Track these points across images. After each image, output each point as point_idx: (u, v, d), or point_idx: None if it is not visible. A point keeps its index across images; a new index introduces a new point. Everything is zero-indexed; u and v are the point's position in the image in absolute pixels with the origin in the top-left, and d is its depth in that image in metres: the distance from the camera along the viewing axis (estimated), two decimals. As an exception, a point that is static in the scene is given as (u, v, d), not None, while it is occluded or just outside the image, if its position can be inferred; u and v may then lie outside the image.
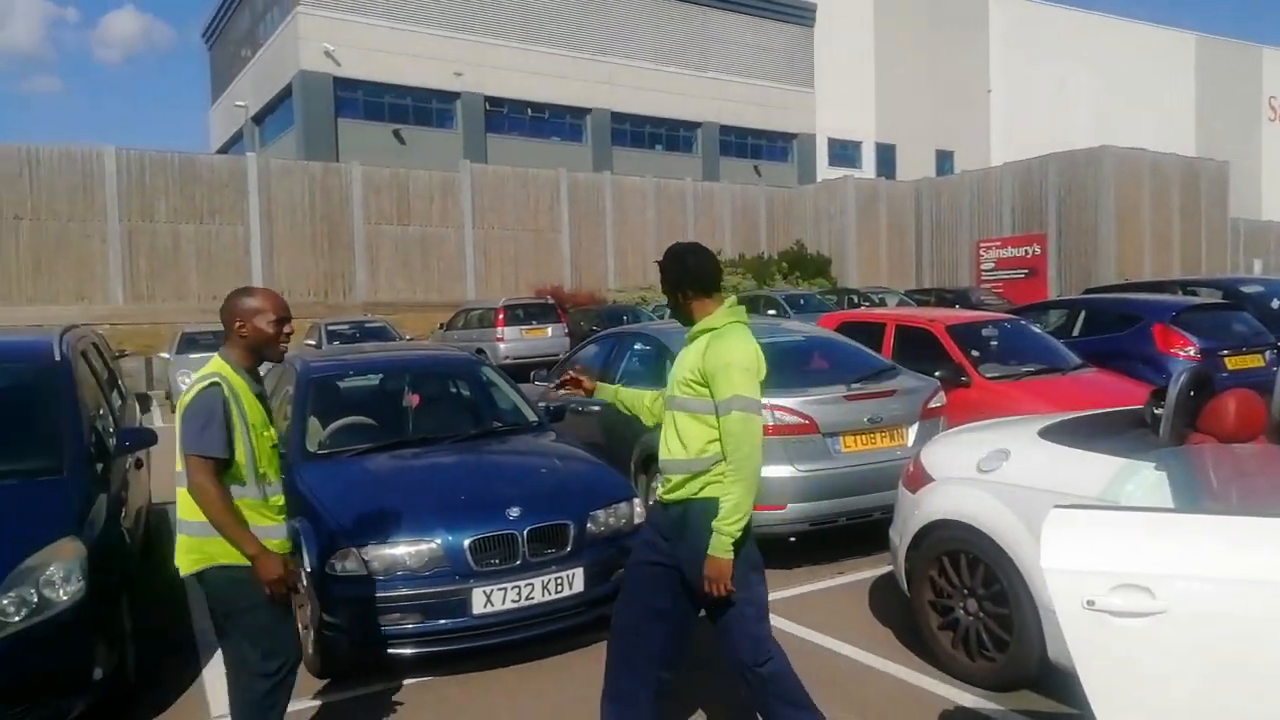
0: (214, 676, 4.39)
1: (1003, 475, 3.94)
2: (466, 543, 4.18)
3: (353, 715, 4.03)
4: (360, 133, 33.78)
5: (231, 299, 3.18)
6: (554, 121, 38.80)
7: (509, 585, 4.19)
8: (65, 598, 3.54)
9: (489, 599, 4.15)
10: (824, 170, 43.12)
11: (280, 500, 3.18)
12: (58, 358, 4.90)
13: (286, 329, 3.17)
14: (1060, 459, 3.79)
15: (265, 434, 3.11)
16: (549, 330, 18.88)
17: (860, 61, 45.47)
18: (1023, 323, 8.65)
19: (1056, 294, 24.90)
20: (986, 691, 3.92)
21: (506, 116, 37.44)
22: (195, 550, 3.02)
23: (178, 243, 24.39)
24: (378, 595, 4.06)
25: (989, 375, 7.10)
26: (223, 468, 2.96)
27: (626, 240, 31.09)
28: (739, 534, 2.92)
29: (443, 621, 4.13)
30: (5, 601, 3.42)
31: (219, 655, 4.62)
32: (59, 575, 3.57)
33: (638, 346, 7.30)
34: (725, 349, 2.95)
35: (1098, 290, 14.84)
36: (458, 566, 4.15)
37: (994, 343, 7.84)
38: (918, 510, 4.29)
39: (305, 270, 25.94)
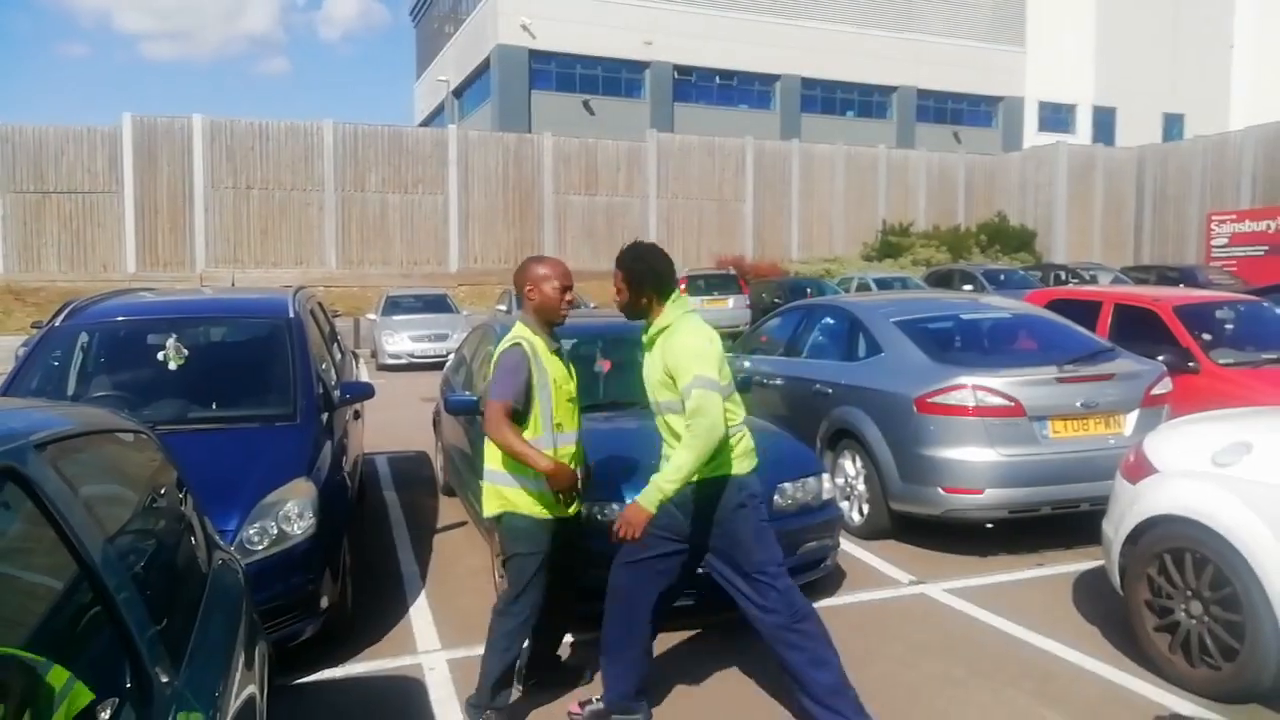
0: (419, 613, 4.73)
1: (1243, 470, 3.57)
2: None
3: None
4: (552, 104, 34.79)
5: (525, 265, 3.50)
6: (742, 89, 38.40)
7: (696, 552, 4.22)
8: (299, 532, 3.91)
9: (678, 563, 4.20)
10: (1032, 136, 40.35)
11: (570, 450, 3.47)
12: (291, 315, 5.37)
13: (568, 296, 3.43)
14: (1315, 456, 3.39)
15: (565, 387, 3.43)
16: (730, 301, 18.85)
17: (1080, 16, 41.93)
18: (1263, 304, 7.77)
19: (1301, 273, 22.20)
20: (1207, 701, 3.60)
21: (694, 84, 37.42)
22: (497, 496, 3.45)
23: (385, 211, 26.14)
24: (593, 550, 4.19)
25: (1221, 361, 6.44)
26: (518, 416, 3.31)
27: (812, 210, 30.45)
28: (671, 494, 3.10)
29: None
30: (251, 531, 3.82)
31: (424, 593, 5.01)
32: (294, 511, 3.94)
33: (827, 320, 7.13)
34: (677, 343, 3.18)
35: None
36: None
37: (1228, 326, 7.09)
38: (1138, 503, 3.97)
39: (497, 238, 27.15)
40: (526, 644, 3.66)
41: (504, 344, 3.43)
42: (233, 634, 2.34)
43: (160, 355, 4.88)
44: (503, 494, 3.45)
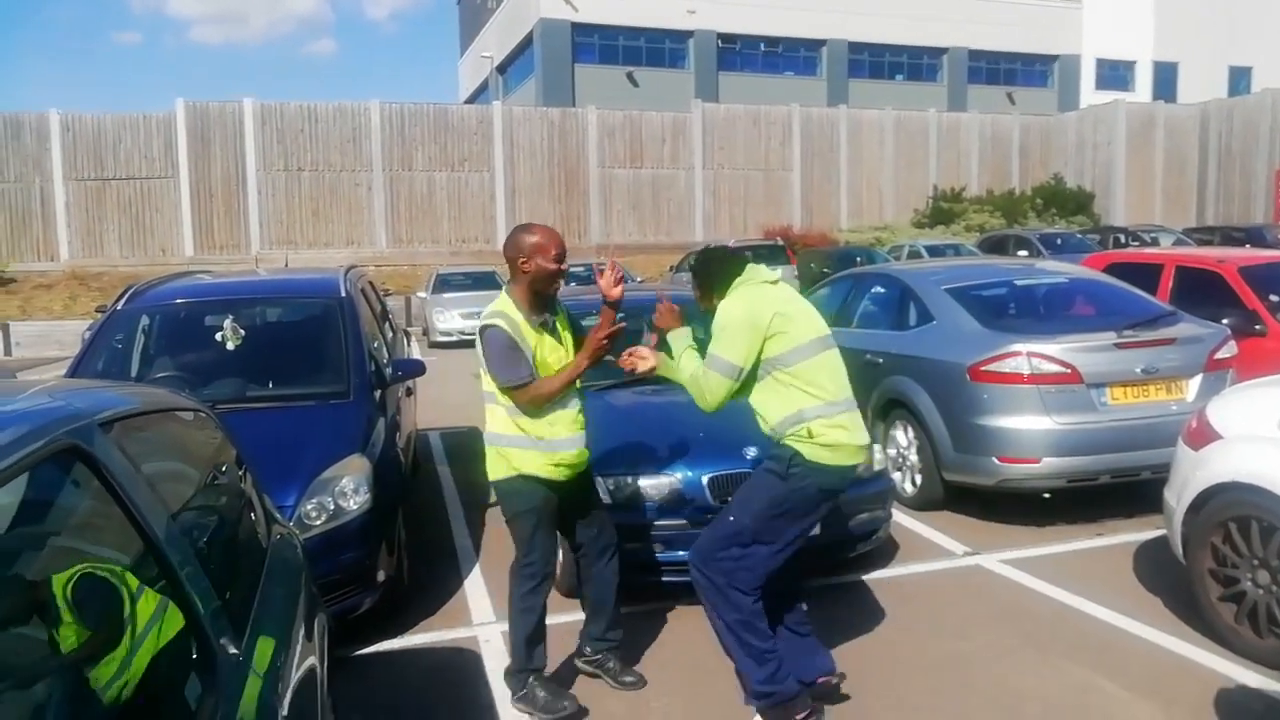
0: (474, 586, 4.81)
1: (1313, 436, 3.44)
2: (705, 479, 4.26)
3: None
4: (595, 77, 34.62)
5: (516, 236, 3.38)
6: (788, 55, 37.78)
7: (746, 523, 4.22)
8: (355, 507, 3.99)
9: (726, 535, 4.21)
10: (1089, 95, 39.06)
11: (572, 414, 3.42)
12: (343, 293, 5.45)
13: (563, 266, 3.38)
14: (1391, 420, 3.26)
15: (548, 360, 3.35)
16: (779, 272, 18.56)
17: (1138, -33, 40.37)
18: (1337, 263, 7.46)
19: (1378, 230, 21.27)
20: (1275, 672, 3.51)
21: (739, 53, 36.91)
22: (498, 458, 3.42)
23: (432, 189, 26.35)
24: (622, 524, 4.22)
25: (1291, 323, 6.21)
26: None
27: (861, 177, 29.93)
28: (673, 375, 3.39)
29: (681, 553, 4.24)
30: (309, 507, 3.91)
31: (478, 567, 5.09)
32: (350, 487, 4.02)
33: (877, 289, 7.02)
34: (717, 317, 3.29)
35: None
36: (698, 501, 4.24)
37: (1298, 286, 6.82)
38: (1201, 470, 3.86)
39: (543, 214, 27.15)
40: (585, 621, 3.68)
41: (481, 322, 3.37)
42: (293, 607, 2.40)
43: (218, 336, 5.00)
44: (507, 456, 3.39)
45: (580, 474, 3.54)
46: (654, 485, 4.29)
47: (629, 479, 4.30)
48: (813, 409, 3.17)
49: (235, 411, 4.31)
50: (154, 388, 3.01)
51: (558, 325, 3.47)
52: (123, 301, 5.52)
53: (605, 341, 3.27)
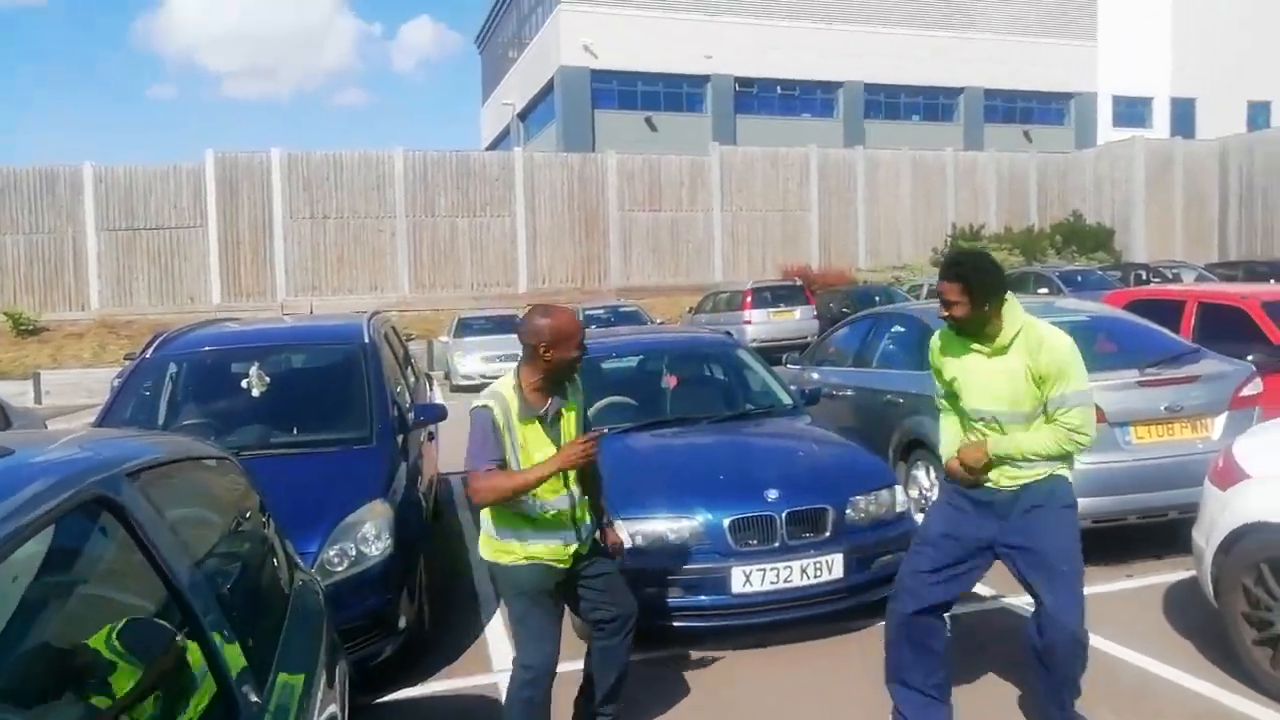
0: (495, 632, 4.79)
1: (1343, 475, 3.39)
2: (726, 522, 4.24)
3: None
4: (615, 122, 35.09)
5: (538, 321, 3.13)
6: (804, 98, 38.15)
7: (767, 567, 4.20)
8: (377, 553, 4.01)
9: (748, 579, 4.18)
10: (1106, 132, 39.05)
11: (564, 512, 3.21)
12: (367, 340, 5.53)
13: (584, 351, 3.24)
14: None
15: (534, 455, 3.12)
16: (797, 313, 18.69)
17: (1154, 3, 40.45)
18: (1363, 298, 7.38)
19: (1406, 263, 21.00)
20: (1315, 721, 3.42)
21: (756, 96, 37.32)
22: (485, 538, 3.30)
23: (454, 235, 26.67)
24: (638, 568, 4.20)
25: (1318, 359, 6.14)
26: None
27: (879, 217, 30.00)
28: (1017, 456, 3.23)
29: (703, 598, 4.22)
30: (332, 553, 3.93)
31: (498, 614, 5.07)
32: (372, 533, 4.04)
33: (897, 328, 7.02)
34: (1061, 344, 3.19)
35: None
36: (717, 545, 4.22)
37: (1324, 321, 6.75)
38: (1229, 510, 3.81)
39: (564, 257, 27.44)
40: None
41: (476, 402, 3.20)
42: (314, 654, 2.42)
43: (244, 383, 5.08)
44: (490, 541, 3.25)
45: (585, 554, 3.32)
46: (673, 529, 4.28)
47: (647, 522, 4.29)
48: None
49: (260, 458, 4.37)
50: (179, 436, 3.06)
51: (562, 411, 3.25)
52: (151, 350, 5.63)
53: (576, 455, 3.06)
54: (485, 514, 3.27)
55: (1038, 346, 3.12)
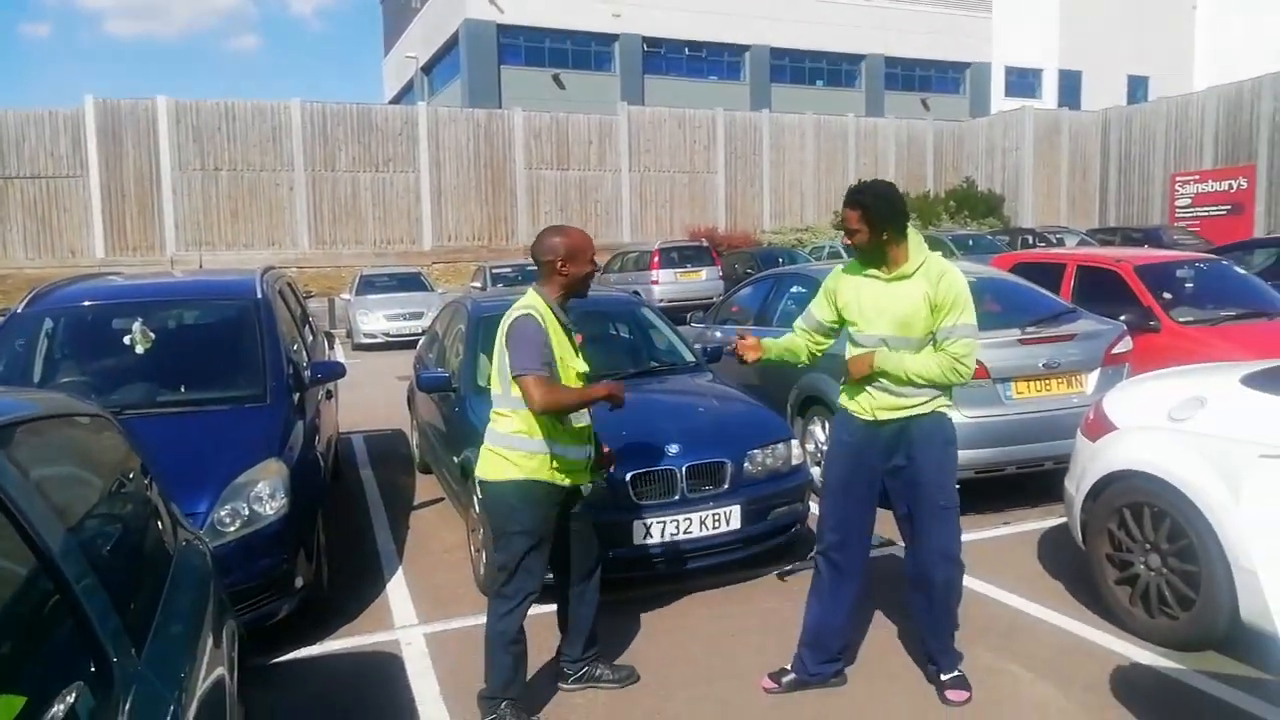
0: (396, 589, 4.76)
1: (1197, 424, 3.66)
2: (628, 477, 4.30)
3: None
4: (521, 79, 34.43)
5: (552, 239, 3.32)
6: (712, 60, 38.15)
7: (668, 519, 4.30)
8: (271, 512, 3.92)
9: (649, 531, 4.27)
10: (999, 101, 40.43)
11: (585, 424, 3.36)
12: (259, 295, 5.33)
13: (598, 266, 3.35)
14: (1267, 408, 3.48)
15: (571, 365, 3.31)
16: (703, 273, 18.85)
17: (1044, -21, 41.94)
18: (1224, 263, 7.90)
19: (1264, 232, 22.56)
20: (1166, 650, 3.71)
21: (664, 57, 37.12)
22: (496, 459, 3.30)
23: (356, 190, 25.87)
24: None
25: (1182, 320, 6.55)
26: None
27: (783, 180, 30.46)
28: (904, 378, 3.32)
29: (605, 551, 4.27)
30: (223, 513, 3.82)
31: (400, 572, 5.03)
32: (265, 492, 3.94)
33: (796, 288, 7.17)
34: (957, 280, 3.27)
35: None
36: (619, 499, 4.28)
37: (1189, 285, 7.20)
38: (1097, 460, 4.06)
39: (470, 215, 26.96)
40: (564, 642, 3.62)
41: (514, 313, 3.25)
42: (199, 615, 2.36)
43: (126, 339, 4.84)
44: (507, 456, 3.27)
45: (579, 487, 3.44)
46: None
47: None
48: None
49: (145, 417, 4.21)
50: (51, 392, 2.91)
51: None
52: (24, 304, 5.30)
53: (621, 391, 3.34)
54: (508, 425, 3.27)
55: (939, 277, 3.23)
